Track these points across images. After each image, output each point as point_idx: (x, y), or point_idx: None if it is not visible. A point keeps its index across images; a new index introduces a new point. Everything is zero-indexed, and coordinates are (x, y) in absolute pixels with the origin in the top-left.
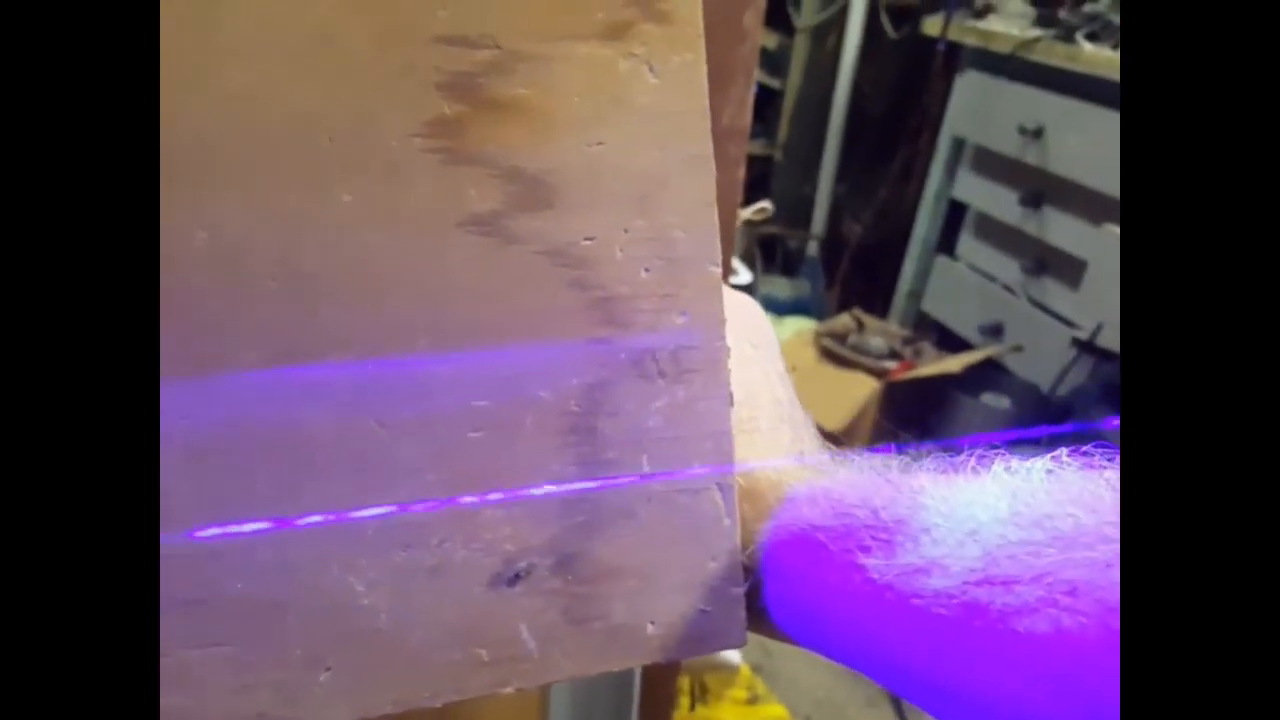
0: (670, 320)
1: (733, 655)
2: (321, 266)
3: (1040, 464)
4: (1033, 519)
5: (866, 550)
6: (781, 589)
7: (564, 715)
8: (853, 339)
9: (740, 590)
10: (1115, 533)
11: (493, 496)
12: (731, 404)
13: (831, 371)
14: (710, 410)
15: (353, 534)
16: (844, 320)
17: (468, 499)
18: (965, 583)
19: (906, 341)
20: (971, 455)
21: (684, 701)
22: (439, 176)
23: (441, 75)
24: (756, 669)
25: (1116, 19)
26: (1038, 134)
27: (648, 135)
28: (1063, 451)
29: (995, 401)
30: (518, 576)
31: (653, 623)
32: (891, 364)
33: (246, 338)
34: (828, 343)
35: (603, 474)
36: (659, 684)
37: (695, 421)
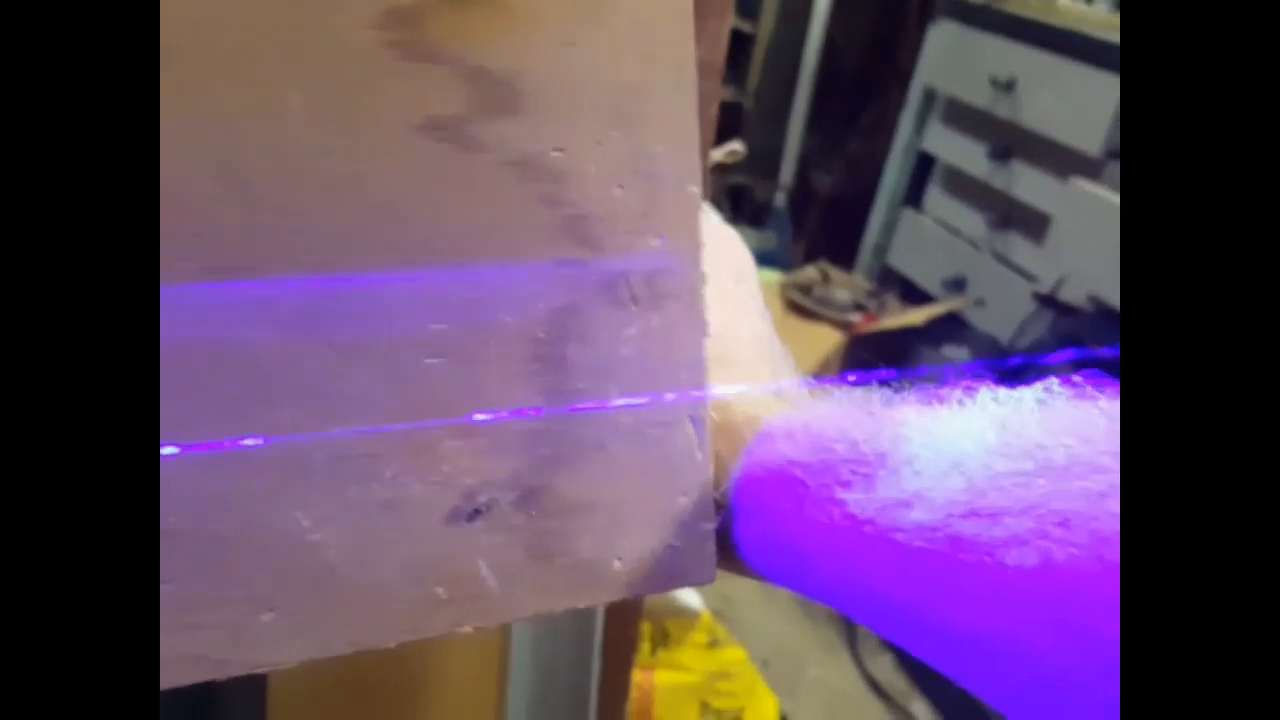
0: (645, 243)
1: (694, 600)
2: (265, 172)
3: (1030, 393)
4: (1022, 449)
5: (846, 485)
6: (756, 526)
7: (525, 658)
8: (818, 291)
9: (711, 526)
10: (1110, 462)
11: (452, 427)
12: (708, 334)
13: (796, 324)
14: (685, 339)
15: (300, 465)
16: (809, 273)
17: (425, 429)
18: (950, 515)
19: (871, 294)
20: (957, 386)
21: (645, 646)
22: (396, 74)
23: None
24: (716, 614)
25: None
26: (1009, 86)
27: (627, 40)
28: (1053, 380)
29: (956, 354)
30: (478, 511)
31: (620, 559)
32: (856, 317)
33: (183, 248)
34: (793, 295)
35: (570, 404)
36: (622, 627)
37: (669, 351)
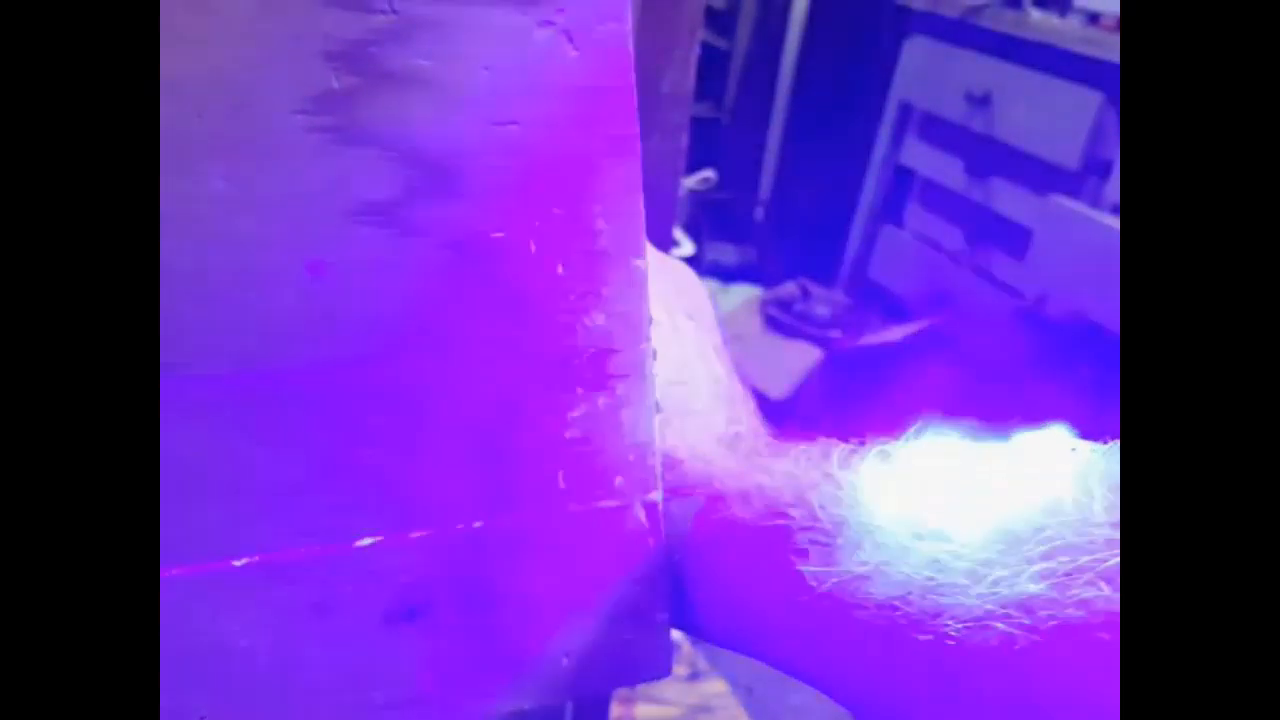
0: (590, 321)
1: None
2: (188, 262)
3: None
4: (984, 521)
5: (803, 555)
6: (709, 594)
7: None
8: (798, 307)
9: (665, 616)
10: (1075, 538)
11: (386, 523)
12: (658, 412)
13: (776, 340)
14: (633, 419)
15: (224, 567)
16: (789, 288)
17: (357, 527)
18: (909, 592)
19: (851, 310)
20: (919, 442)
21: None
22: (327, 159)
23: (330, 43)
24: (696, 642)
25: None
26: (985, 101)
27: (566, 114)
28: (1019, 444)
29: (937, 371)
30: (414, 612)
31: (568, 655)
32: (836, 333)
33: None
34: (772, 311)
35: (513, 493)
36: None
37: (617, 432)
